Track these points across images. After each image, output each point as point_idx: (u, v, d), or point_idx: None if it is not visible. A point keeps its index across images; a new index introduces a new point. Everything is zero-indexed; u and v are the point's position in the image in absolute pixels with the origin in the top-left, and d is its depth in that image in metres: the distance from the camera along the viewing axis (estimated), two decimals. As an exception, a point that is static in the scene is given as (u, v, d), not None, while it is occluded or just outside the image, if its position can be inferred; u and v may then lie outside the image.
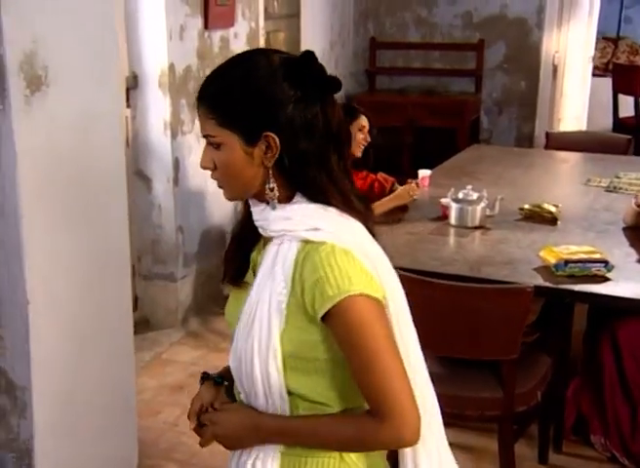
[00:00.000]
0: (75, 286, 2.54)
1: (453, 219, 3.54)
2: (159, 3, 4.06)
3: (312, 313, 1.34)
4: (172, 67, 4.18)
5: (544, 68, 6.14)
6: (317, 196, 1.41)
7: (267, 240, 1.46)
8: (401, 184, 3.94)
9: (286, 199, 1.42)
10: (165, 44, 4.12)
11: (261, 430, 1.42)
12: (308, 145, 1.39)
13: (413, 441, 1.36)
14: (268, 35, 5.36)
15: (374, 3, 6.55)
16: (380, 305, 1.36)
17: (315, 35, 6.01)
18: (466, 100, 6.14)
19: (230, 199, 1.50)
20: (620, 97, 7.25)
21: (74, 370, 2.58)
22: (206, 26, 4.49)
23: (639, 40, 8.65)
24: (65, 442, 2.59)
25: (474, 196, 3.54)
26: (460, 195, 3.55)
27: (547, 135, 5.31)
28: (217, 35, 4.63)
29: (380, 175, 4.04)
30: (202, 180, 4.35)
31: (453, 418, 2.78)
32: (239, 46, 4.87)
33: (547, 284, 2.79)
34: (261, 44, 5.20)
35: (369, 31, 6.63)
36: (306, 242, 1.37)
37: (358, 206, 1.44)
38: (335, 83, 1.42)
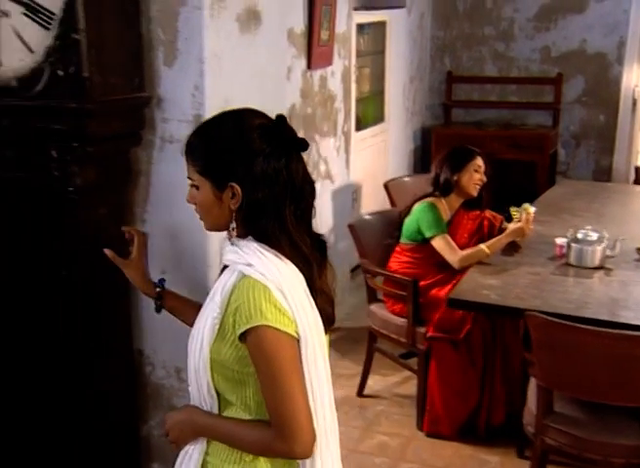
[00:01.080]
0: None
1: (572, 260, 3.59)
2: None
3: (233, 333, 1.59)
4: (281, 107, 4.28)
5: (624, 102, 6.18)
6: (264, 239, 1.64)
7: None
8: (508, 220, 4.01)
9: (243, 236, 1.66)
10: (276, 85, 4.22)
11: (194, 422, 1.70)
12: (266, 197, 1.62)
13: (304, 455, 1.60)
14: (357, 71, 5.47)
15: (451, 39, 6.64)
16: (287, 338, 1.57)
17: (398, 70, 6.12)
18: (546, 134, 6.20)
19: (208, 230, 1.77)
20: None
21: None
22: (309, 66, 4.59)
23: None
24: None
25: (594, 236, 3.59)
26: (580, 235, 3.60)
27: (637, 170, 5.34)
28: (317, 74, 4.73)
29: (489, 213, 4.10)
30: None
31: (595, 465, 2.82)
32: (335, 84, 4.98)
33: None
34: (353, 80, 5.30)
35: (445, 65, 6.71)
36: (243, 274, 1.61)
37: (306, 253, 1.66)
38: (302, 144, 1.67)
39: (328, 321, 1.70)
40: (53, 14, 2.07)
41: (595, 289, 3.34)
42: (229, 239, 1.68)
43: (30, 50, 2.12)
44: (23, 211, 2.24)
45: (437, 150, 6.36)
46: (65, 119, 2.07)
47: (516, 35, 6.42)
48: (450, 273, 3.84)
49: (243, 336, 1.57)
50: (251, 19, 2.42)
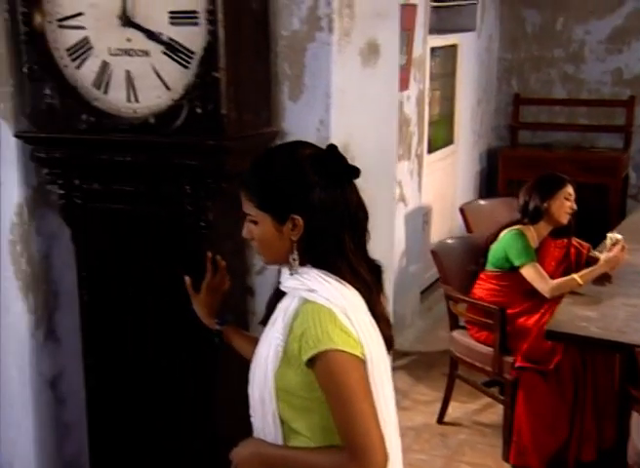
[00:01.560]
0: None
1: (668, 291, 3.54)
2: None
3: (299, 359, 1.58)
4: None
5: (698, 125, 6.12)
6: (323, 266, 1.66)
7: None
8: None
9: (301, 264, 1.67)
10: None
11: (262, 455, 1.69)
12: (325, 225, 1.64)
13: None
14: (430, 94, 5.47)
15: (518, 61, 6.61)
16: (355, 360, 1.58)
17: (466, 92, 6.11)
18: (618, 156, 6.13)
19: (267, 264, 1.79)
20: None
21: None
22: (389, 91, 4.59)
23: None
24: None
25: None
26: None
27: None
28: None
29: (575, 241, 4.06)
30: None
31: None
32: (410, 107, 4.98)
33: None
34: (426, 103, 5.30)
35: (512, 87, 6.68)
36: (305, 300, 1.62)
37: (365, 277, 1.68)
38: (355, 171, 1.67)
39: (388, 343, 1.73)
40: (192, 52, 2.10)
41: None
42: (290, 269, 1.69)
43: (167, 87, 2.15)
44: (153, 243, 2.26)
45: (504, 172, 6.33)
46: (203, 155, 2.09)
47: (587, 57, 6.37)
48: (537, 302, 3.80)
49: (310, 362, 1.57)
50: (372, 52, 2.44)
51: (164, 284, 2.27)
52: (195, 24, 2.07)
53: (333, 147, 1.69)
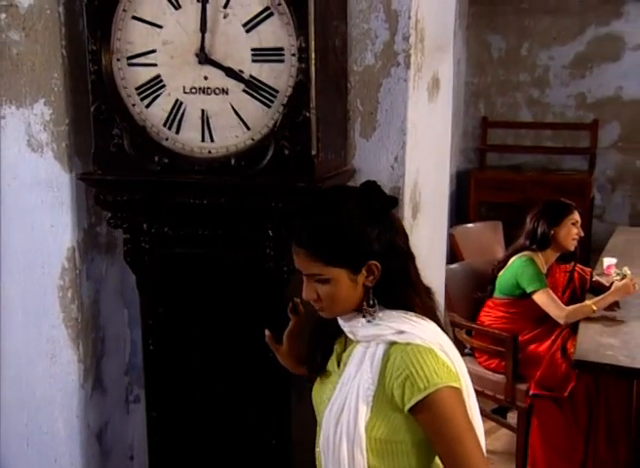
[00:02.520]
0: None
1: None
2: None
3: (400, 404, 1.57)
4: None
5: (660, 147, 6.32)
6: (398, 304, 1.65)
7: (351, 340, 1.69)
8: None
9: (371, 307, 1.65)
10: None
11: None
12: (396, 262, 1.63)
13: None
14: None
15: (485, 85, 6.72)
16: (459, 392, 1.58)
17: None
18: (585, 178, 6.27)
19: (331, 316, 1.71)
20: None
21: None
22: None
23: None
24: None
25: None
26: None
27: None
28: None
29: (578, 266, 4.11)
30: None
31: None
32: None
33: None
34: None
35: (479, 111, 6.77)
36: (392, 343, 1.60)
37: (430, 303, 1.70)
38: (394, 201, 1.68)
39: None
40: (276, 91, 2.02)
41: None
42: (366, 316, 1.65)
43: (247, 127, 2.07)
44: (228, 288, 2.17)
45: (476, 193, 6.39)
46: (290, 197, 2.01)
47: (551, 82, 6.51)
48: (548, 328, 3.83)
49: (417, 404, 1.55)
50: (435, 86, 2.42)
51: (238, 330, 2.18)
52: (281, 62, 2.00)
53: (371, 183, 1.67)
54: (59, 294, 2.37)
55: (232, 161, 2.05)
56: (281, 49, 2.00)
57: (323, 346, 1.80)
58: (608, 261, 4.32)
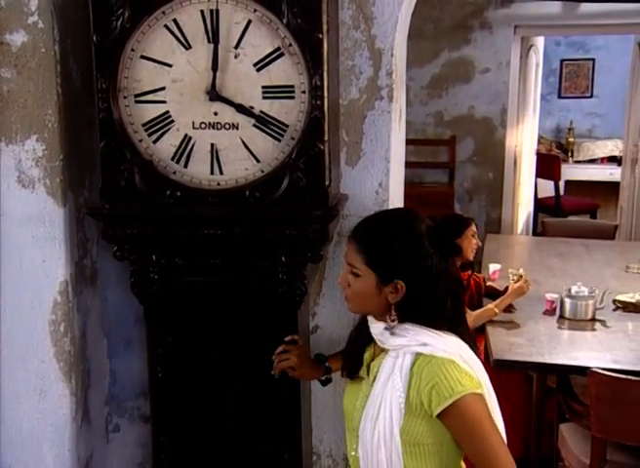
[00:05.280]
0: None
1: (567, 313, 4.00)
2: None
3: (429, 411, 1.72)
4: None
5: (508, 160, 6.86)
6: (423, 322, 1.79)
7: (381, 348, 1.86)
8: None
9: (399, 321, 1.80)
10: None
11: None
12: (427, 294, 1.79)
13: None
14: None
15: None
16: (482, 398, 1.75)
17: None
18: (447, 190, 6.73)
19: (352, 311, 1.93)
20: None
21: None
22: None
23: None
24: None
25: (585, 291, 4.04)
26: (573, 291, 4.04)
27: (544, 223, 5.98)
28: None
29: (474, 274, 4.46)
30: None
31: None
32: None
33: None
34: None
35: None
36: (418, 354, 1.76)
37: (461, 329, 1.85)
38: (458, 249, 1.86)
39: None
40: (286, 126, 2.15)
41: (612, 343, 3.64)
42: (388, 328, 1.80)
43: (257, 159, 2.18)
44: (240, 313, 2.27)
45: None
46: (305, 225, 2.15)
47: (412, 101, 6.91)
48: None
49: (444, 411, 1.70)
50: (400, 116, 2.62)
51: (249, 353, 2.28)
52: (291, 98, 2.13)
53: (444, 224, 1.86)
54: (50, 329, 2.36)
55: (247, 192, 2.16)
56: (291, 86, 2.13)
57: (355, 355, 1.95)
58: (493, 267, 4.70)
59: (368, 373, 1.89)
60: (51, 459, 2.44)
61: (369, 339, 1.90)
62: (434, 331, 1.79)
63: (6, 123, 2.26)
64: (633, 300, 4.15)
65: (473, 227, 4.26)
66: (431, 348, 1.75)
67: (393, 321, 1.79)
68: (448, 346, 1.77)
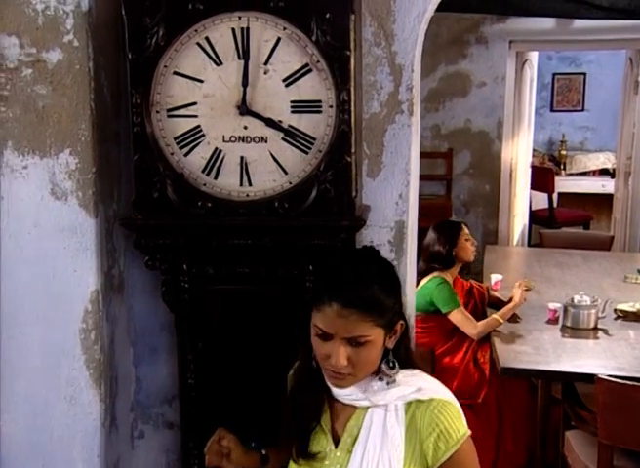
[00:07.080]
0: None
1: (569, 322, 4.10)
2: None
3: (433, 459, 1.69)
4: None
5: (504, 173, 7.00)
6: (406, 364, 1.74)
7: (344, 406, 1.75)
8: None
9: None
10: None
11: None
12: (406, 323, 1.76)
13: None
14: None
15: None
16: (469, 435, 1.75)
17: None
18: (445, 202, 6.84)
19: (347, 387, 1.72)
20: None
21: None
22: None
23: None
24: None
25: (588, 301, 4.14)
26: (576, 301, 4.14)
27: (541, 235, 6.09)
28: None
29: (475, 283, 4.55)
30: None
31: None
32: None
33: None
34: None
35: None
36: (410, 402, 1.69)
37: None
38: None
39: None
40: (314, 139, 2.23)
41: (615, 350, 3.74)
42: (385, 378, 1.71)
43: (285, 172, 2.26)
44: (269, 319, 2.34)
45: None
46: (332, 234, 2.23)
47: (409, 115, 7.03)
48: (459, 340, 4.21)
49: (449, 458, 1.69)
50: (417, 129, 2.70)
51: (277, 358, 2.34)
52: (319, 112, 2.22)
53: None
54: (80, 337, 2.43)
55: (276, 203, 2.24)
56: (319, 101, 2.22)
57: (310, 426, 1.80)
58: (495, 278, 4.80)
59: (339, 440, 1.76)
60: (80, 465, 2.50)
61: (320, 407, 1.80)
62: (416, 372, 1.75)
63: (41, 137, 2.33)
64: (634, 310, 4.25)
65: (465, 230, 4.37)
66: (427, 392, 1.71)
67: (393, 368, 1.70)
68: (438, 386, 1.74)
